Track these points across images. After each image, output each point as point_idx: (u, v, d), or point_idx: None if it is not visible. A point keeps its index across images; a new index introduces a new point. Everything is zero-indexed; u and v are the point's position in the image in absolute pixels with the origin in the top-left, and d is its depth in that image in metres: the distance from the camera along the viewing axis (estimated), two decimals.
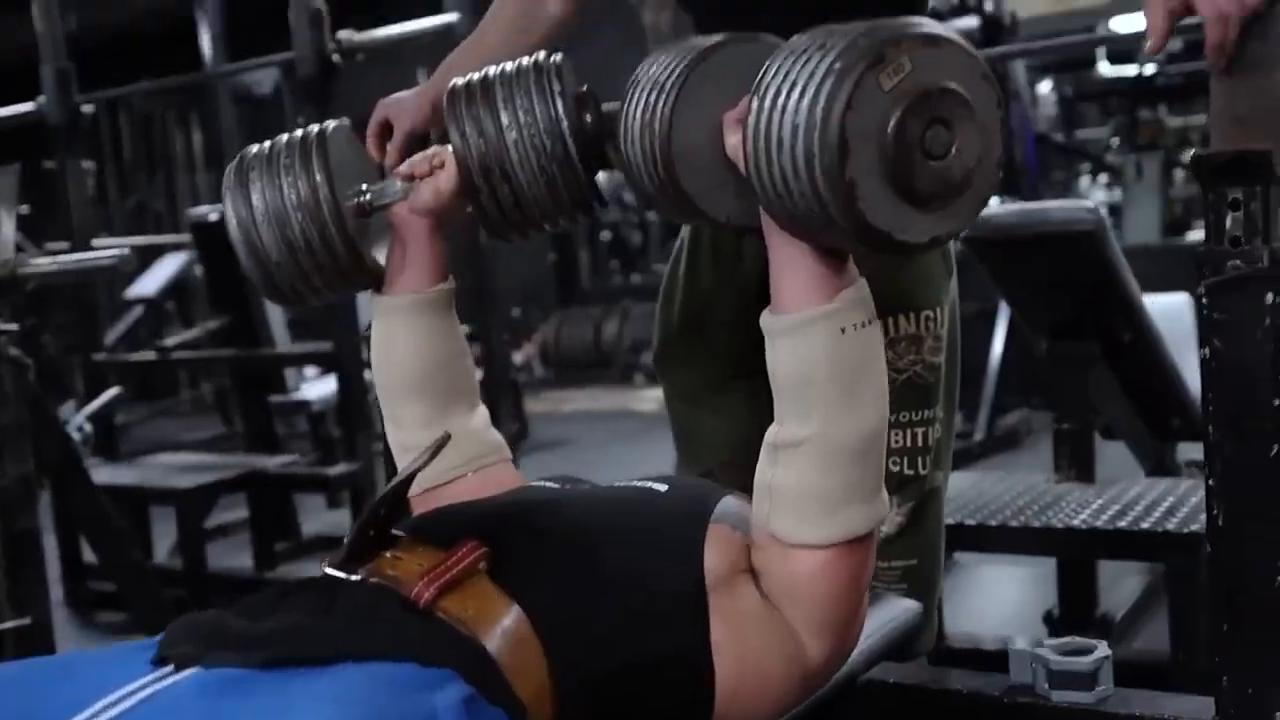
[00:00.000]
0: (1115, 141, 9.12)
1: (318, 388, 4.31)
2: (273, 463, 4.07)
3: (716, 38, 1.30)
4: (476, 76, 1.42)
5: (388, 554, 1.12)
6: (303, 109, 3.42)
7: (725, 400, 1.76)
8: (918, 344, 1.68)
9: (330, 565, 1.12)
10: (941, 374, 1.71)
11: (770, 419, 1.38)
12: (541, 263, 10.58)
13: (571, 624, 1.10)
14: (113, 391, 3.71)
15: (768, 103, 1.09)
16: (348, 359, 3.71)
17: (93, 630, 3.68)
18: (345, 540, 1.14)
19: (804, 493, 1.17)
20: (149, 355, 4.29)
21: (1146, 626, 2.72)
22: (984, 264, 2.52)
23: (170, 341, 4.25)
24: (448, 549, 1.11)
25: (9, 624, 2.89)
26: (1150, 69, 8.31)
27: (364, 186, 1.42)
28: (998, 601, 2.86)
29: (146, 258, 5.95)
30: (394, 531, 1.16)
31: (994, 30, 6.27)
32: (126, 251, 2.44)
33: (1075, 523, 2.27)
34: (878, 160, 1.04)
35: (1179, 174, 8.15)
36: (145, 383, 6.11)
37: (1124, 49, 8.43)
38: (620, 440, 6.59)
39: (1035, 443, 5.09)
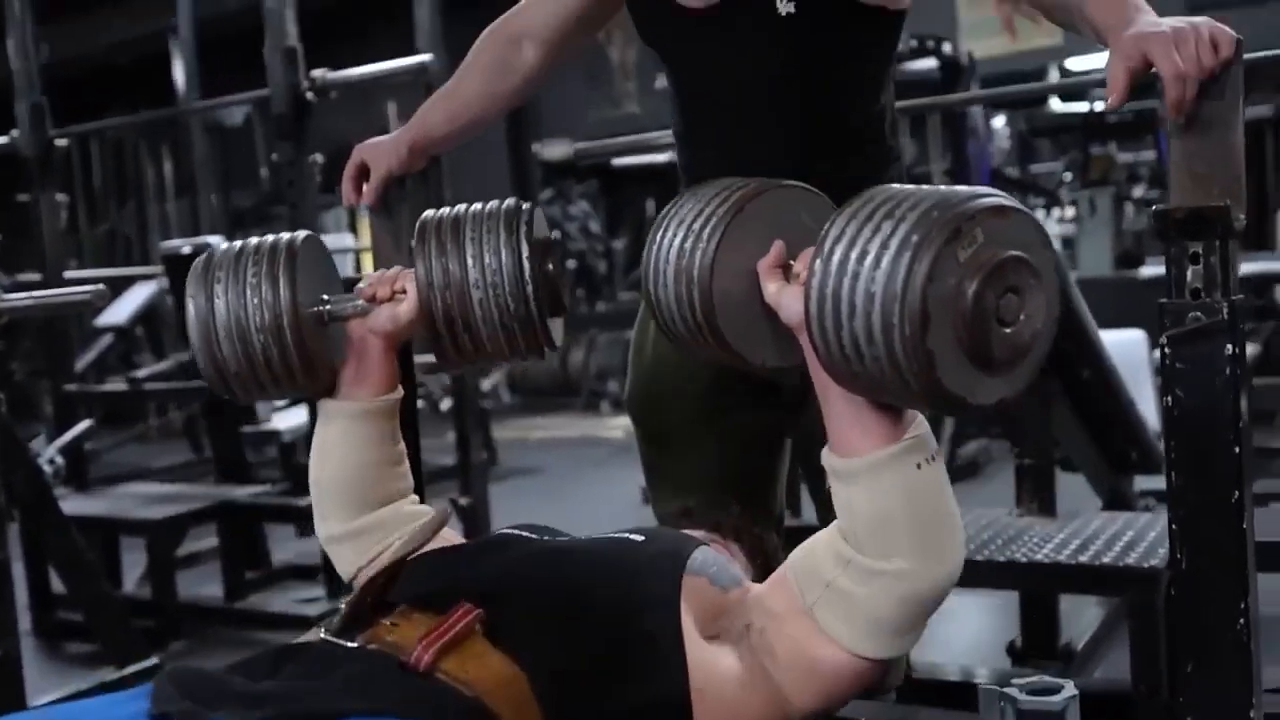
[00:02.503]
0: (1068, 176, 9.28)
1: (288, 418, 4.31)
2: (243, 493, 4.06)
3: (751, 184, 1.34)
4: (449, 215, 1.46)
5: (385, 621, 1.14)
6: (275, 145, 3.44)
7: (698, 444, 1.79)
8: None
9: (328, 632, 1.14)
10: None
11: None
12: None
13: (564, 681, 1.13)
14: (84, 424, 3.70)
15: (834, 266, 1.10)
16: None
17: (61, 661, 3.66)
18: (342, 609, 1.16)
19: (870, 614, 1.19)
20: (120, 386, 4.28)
21: (1108, 656, 2.76)
22: None
23: (141, 373, 4.25)
24: (442, 613, 1.13)
25: None
26: (1100, 106, 8.49)
27: (325, 298, 1.47)
28: (961, 630, 2.90)
29: (117, 286, 5.93)
30: (388, 600, 1.18)
31: (953, 72, 6.36)
32: (101, 287, 2.43)
33: (1038, 557, 2.31)
34: (955, 330, 1.07)
35: (1129, 208, 8.32)
36: (114, 409, 6.07)
37: (1078, 89, 8.59)
38: (589, 466, 6.61)
39: (995, 472, 5.16)
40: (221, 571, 3.91)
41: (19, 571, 3.42)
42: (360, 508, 1.47)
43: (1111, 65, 1.30)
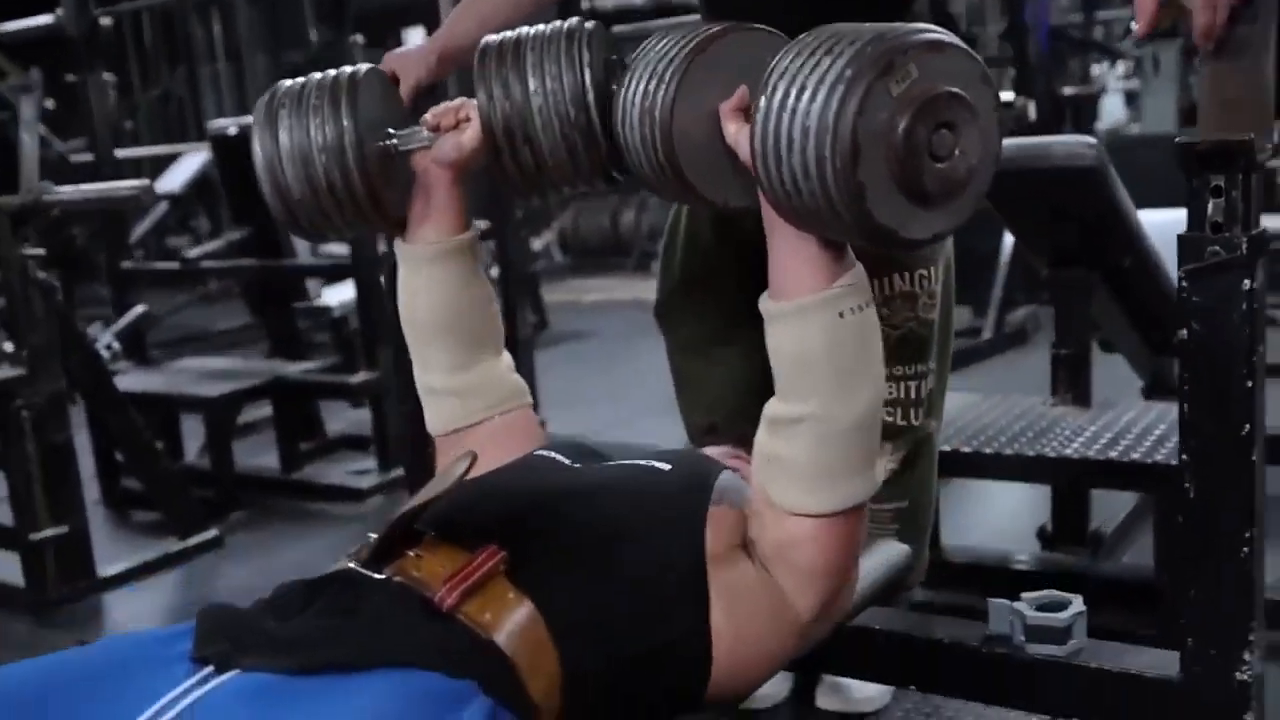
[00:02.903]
0: (1134, 25, 8.92)
1: (339, 293, 4.39)
2: (295, 369, 4.16)
3: (715, 27, 1.33)
4: (510, 37, 1.43)
5: (411, 554, 1.17)
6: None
7: (726, 351, 1.82)
8: (912, 301, 1.73)
9: (355, 561, 1.18)
10: (935, 329, 1.77)
11: (768, 373, 1.43)
12: None
13: (582, 621, 1.16)
14: (138, 309, 3.79)
15: (775, 103, 1.13)
16: (365, 269, 3.78)
17: (129, 530, 3.81)
18: (373, 539, 1.20)
19: (803, 465, 1.24)
20: (173, 265, 4.36)
21: (1137, 541, 2.80)
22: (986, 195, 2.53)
23: (193, 252, 4.33)
24: (469, 549, 1.17)
25: (49, 532, 3.06)
26: None
27: (390, 131, 1.45)
28: (994, 516, 2.94)
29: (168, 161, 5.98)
30: (418, 528, 1.21)
31: None
32: (147, 183, 2.49)
33: (1068, 452, 2.33)
34: (887, 163, 1.09)
35: (1197, 61, 7.99)
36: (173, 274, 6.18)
37: None
38: (639, 333, 6.62)
39: (1043, 340, 5.13)
40: (277, 443, 4.04)
41: (85, 444, 3.58)
42: (459, 352, 1.48)
43: None
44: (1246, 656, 1.32)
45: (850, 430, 1.23)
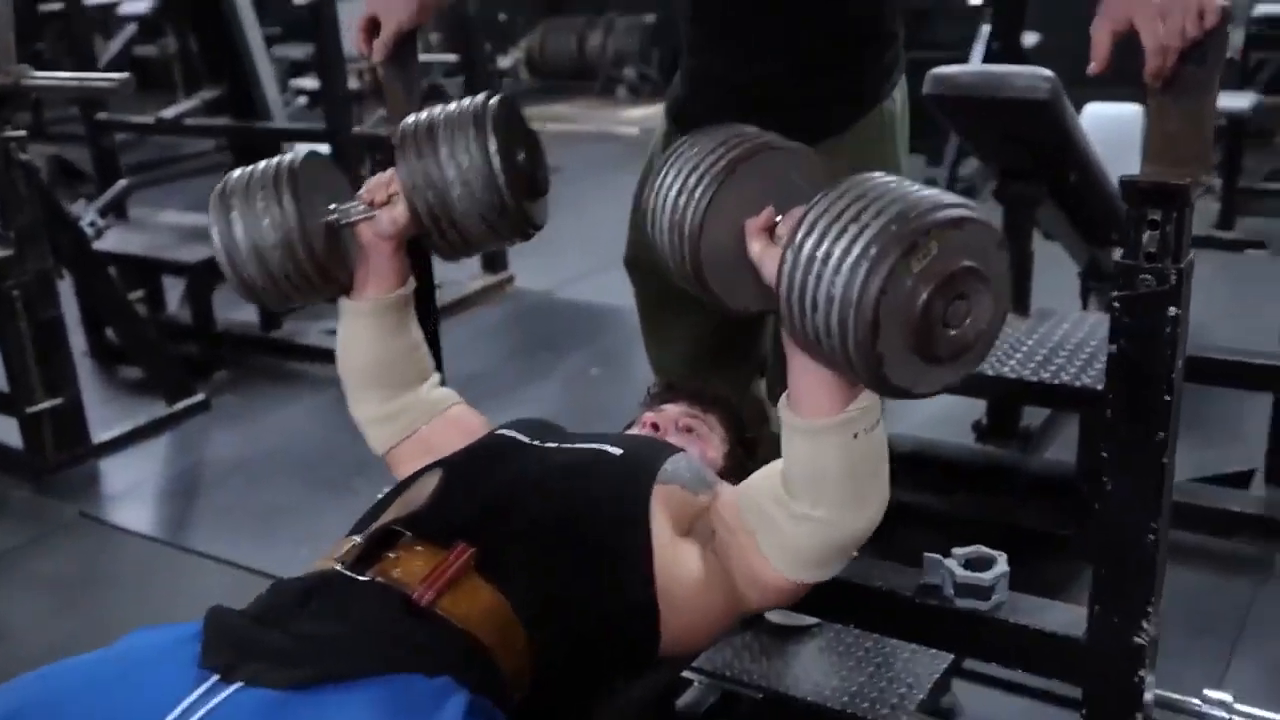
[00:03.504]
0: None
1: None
2: None
3: (745, 146, 1.41)
4: (424, 121, 1.55)
5: (390, 555, 1.33)
6: None
7: (688, 309, 1.87)
8: None
9: (342, 565, 1.33)
10: None
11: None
12: None
13: (542, 602, 1.33)
14: (121, 184, 3.81)
15: (803, 259, 1.20)
16: (342, 134, 3.81)
17: (117, 389, 3.93)
18: (357, 541, 1.36)
19: (801, 548, 1.39)
20: (147, 119, 4.35)
21: (1062, 435, 3.01)
22: (943, 115, 2.61)
23: (169, 112, 4.31)
24: (443, 546, 1.32)
25: (44, 404, 3.19)
26: None
27: (332, 207, 1.57)
28: (931, 405, 3.10)
29: None
30: (395, 529, 1.36)
31: None
32: (127, 75, 2.53)
33: (1004, 370, 2.48)
34: (904, 334, 1.18)
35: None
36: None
37: None
38: (607, 168, 6.66)
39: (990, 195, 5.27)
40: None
41: (73, 308, 3.66)
42: (386, 391, 1.65)
43: (1096, 27, 1.32)
44: (1144, 625, 1.49)
45: (852, 538, 1.38)
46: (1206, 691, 1.79)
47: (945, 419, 3.08)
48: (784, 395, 1.37)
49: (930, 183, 1.29)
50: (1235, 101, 4.70)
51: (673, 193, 1.42)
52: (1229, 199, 4.94)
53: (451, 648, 1.24)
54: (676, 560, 1.42)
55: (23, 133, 3.02)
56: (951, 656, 2.02)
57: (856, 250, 1.16)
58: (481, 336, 4.38)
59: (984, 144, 2.84)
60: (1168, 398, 1.42)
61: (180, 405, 3.56)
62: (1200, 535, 2.67)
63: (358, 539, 1.37)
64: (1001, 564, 1.64)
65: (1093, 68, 1.36)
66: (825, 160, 1.46)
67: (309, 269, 1.53)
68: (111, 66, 5.35)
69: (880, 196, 1.21)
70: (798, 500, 1.36)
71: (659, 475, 1.47)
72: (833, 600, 1.71)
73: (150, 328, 3.66)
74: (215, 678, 1.15)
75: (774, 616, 2.13)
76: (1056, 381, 2.44)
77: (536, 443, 1.56)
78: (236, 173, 1.58)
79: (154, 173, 4.78)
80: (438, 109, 1.58)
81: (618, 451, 1.52)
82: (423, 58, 7.76)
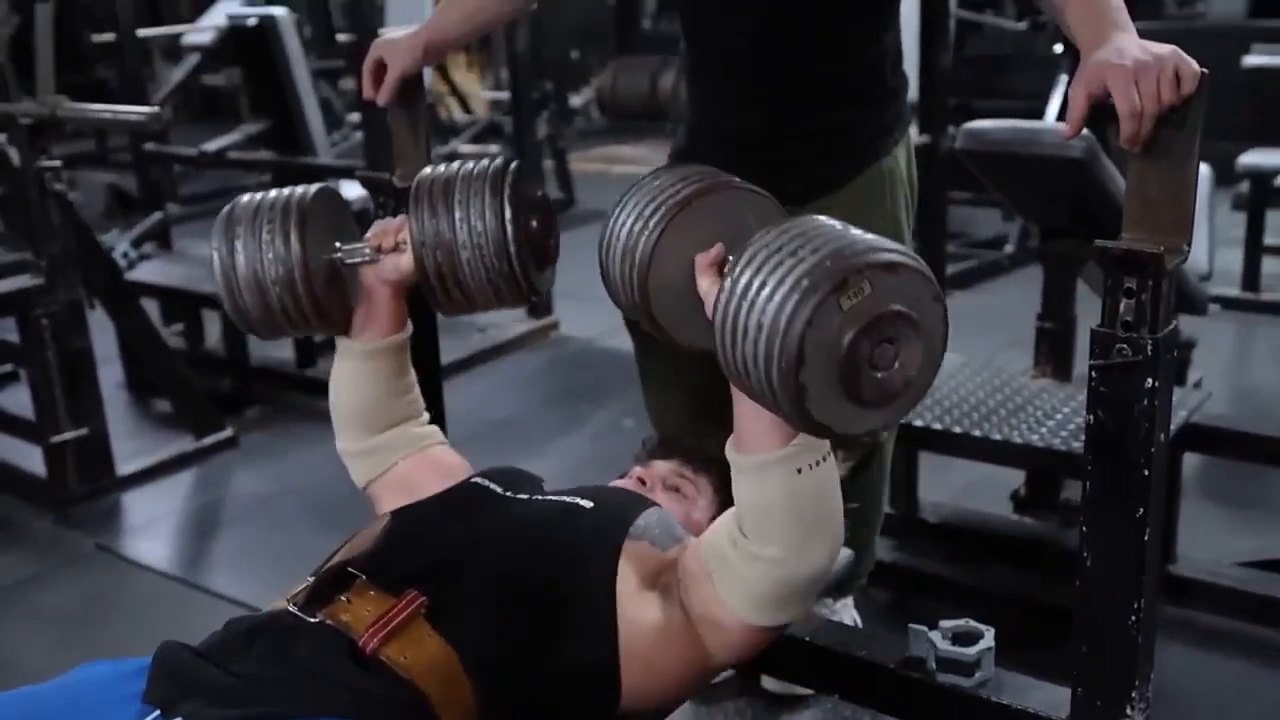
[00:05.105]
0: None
1: (356, 189, 4.43)
2: None
3: (704, 183, 1.41)
4: (441, 176, 1.54)
5: (342, 598, 1.32)
6: None
7: (686, 361, 1.87)
8: None
9: (293, 604, 1.33)
10: None
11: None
12: (601, 1, 10.32)
13: (493, 655, 1.31)
14: (156, 215, 3.87)
15: (739, 289, 1.20)
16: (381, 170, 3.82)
17: (149, 421, 3.96)
18: (308, 582, 1.35)
19: (754, 589, 1.35)
20: (190, 151, 4.43)
21: None
22: (978, 171, 2.56)
23: (211, 146, 4.38)
24: (395, 593, 1.31)
25: (69, 434, 3.23)
26: None
27: (338, 246, 1.56)
28: (970, 475, 3.03)
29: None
30: (350, 571, 1.35)
31: None
32: (156, 109, 2.56)
33: (1035, 439, 2.41)
34: (828, 370, 1.16)
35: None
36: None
37: None
38: None
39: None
40: (293, 340, 4.15)
41: (107, 343, 3.71)
42: (370, 431, 1.66)
43: (1072, 90, 1.31)
44: (1129, 710, 1.43)
45: (804, 578, 1.34)
46: None
47: (983, 487, 3.00)
48: (730, 438, 1.35)
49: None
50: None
51: (629, 222, 1.42)
52: None
53: (391, 696, 1.23)
54: (641, 615, 1.39)
55: (58, 163, 3.07)
56: None
57: (789, 282, 1.16)
58: (520, 381, 4.38)
59: (1022, 201, 2.78)
60: (1146, 472, 1.36)
61: (208, 440, 3.58)
62: (1240, 622, 2.54)
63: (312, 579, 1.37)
64: (988, 639, 1.58)
65: (1066, 132, 1.35)
66: (783, 209, 1.45)
67: (307, 306, 1.53)
68: (174, 96, 5.50)
69: (820, 235, 1.20)
70: (750, 540, 1.33)
71: (630, 531, 1.44)
72: (816, 668, 1.67)
73: (180, 361, 3.69)
74: (156, 712, 1.17)
75: (770, 685, 2.08)
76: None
77: (509, 493, 1.54)
78: (245, 198, 1.58)
79: (207, 204, 4.82)
80: (454, 165, 1.58)
81: (589, 505, 1.50)
82: (485, 95, 7.79)
